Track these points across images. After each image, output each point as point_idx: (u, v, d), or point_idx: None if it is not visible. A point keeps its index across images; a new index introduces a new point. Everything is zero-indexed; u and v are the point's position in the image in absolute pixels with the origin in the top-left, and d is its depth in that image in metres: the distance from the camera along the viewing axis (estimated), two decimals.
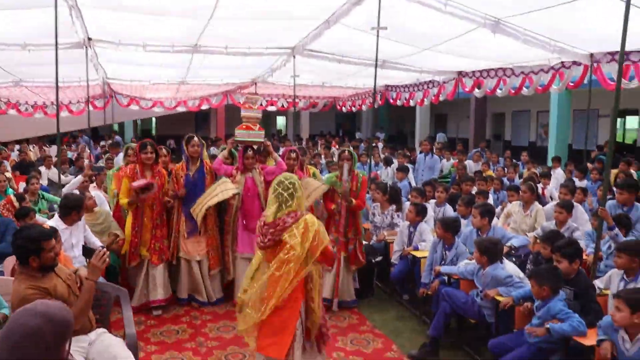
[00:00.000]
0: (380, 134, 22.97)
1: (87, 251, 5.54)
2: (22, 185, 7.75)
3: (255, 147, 6.46)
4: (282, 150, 15.85)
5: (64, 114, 16.25)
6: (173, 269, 6.50)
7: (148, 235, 6.10)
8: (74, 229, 5.18)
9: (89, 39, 9.52)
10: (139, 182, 5.82)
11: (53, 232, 3.52)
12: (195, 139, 6.37)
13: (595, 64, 9.16)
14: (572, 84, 10.19)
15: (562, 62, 9.88)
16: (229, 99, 17.63)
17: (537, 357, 4.19)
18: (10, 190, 7.39)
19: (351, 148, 7.01)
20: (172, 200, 6.23)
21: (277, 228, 3.67)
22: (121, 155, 11.68)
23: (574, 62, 9.57)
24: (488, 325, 4.97)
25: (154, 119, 29.82)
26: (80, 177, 7.37)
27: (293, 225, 3.67)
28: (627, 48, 8.03)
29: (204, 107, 18.51)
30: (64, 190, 7.11)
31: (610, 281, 4.55)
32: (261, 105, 17.94)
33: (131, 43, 9.74)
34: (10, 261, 4.65)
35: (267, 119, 33.99)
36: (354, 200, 6.31)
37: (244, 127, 6.34)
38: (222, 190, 6.09)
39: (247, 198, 6.34)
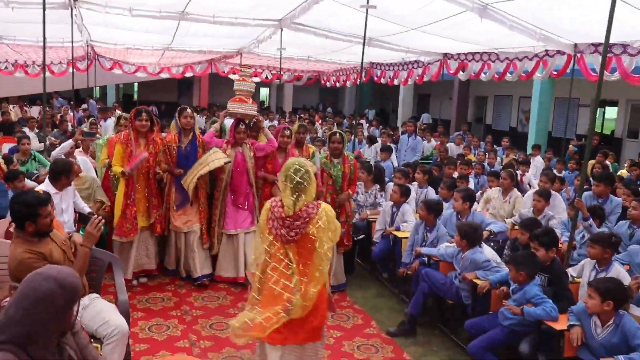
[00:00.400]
0: (370, 111, 22.75)
1: (83, 218, 5.56)
2: (5, 147, 7.66)
3: (247, 120, 6.38)
4: (268, 123, 15.86)
5: (46, 74, 16.03)
6: (160, 240, 6.50)
7: (144, 204, 6.03)
8: (64, 194, 5.20)
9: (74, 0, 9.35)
10: (133, 164, 5.73)
11: (48, 198, 3.54)
12: (189, 110, 6.21)
13: (578, 54, 9.29)
14: (555, 73, 10.34)
15: (546, 51, 10.00)
16: (214, 68, 17.48)
17: (510, 338, 4.37)
18: None
19: (339, 130, 6.90)
20: (163, 173, 6.16)
21: (303, 221, 3.44)
22: (110, 121, 11.59)
23: (558, 51, 9.70)
24: (465, 306, 5.14)
25: (136, 84, 29.43)
26: (70, 142, 7.28)
27: (316, 216, 3.47)
28: (610, 41, 8.24)
29: (188, 74, 18.35)
30: (53, 154, 7.06)
31: (582, 270, 4.74)
32: None
33: (117, 6, 9.59)
34: (3, 224, 4.66)
35: None
36: (350, 192, 6.34)
37: (237, 99, 6.26)
38: (213, 159, 6.00)
39: (236, 173, 6.26)
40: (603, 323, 3.78)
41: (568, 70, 9.83)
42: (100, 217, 3.70)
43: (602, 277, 4.20)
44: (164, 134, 6.58)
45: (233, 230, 6.28)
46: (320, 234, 3.45)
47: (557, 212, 6.50)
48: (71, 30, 10.35)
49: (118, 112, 18.67)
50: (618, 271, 4.44)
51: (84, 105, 19.21)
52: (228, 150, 6.24)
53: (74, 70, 12.99)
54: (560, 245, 5.50)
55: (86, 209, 5.71)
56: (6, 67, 15.85)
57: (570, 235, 5.31)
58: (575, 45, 9.25)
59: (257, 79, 18.98)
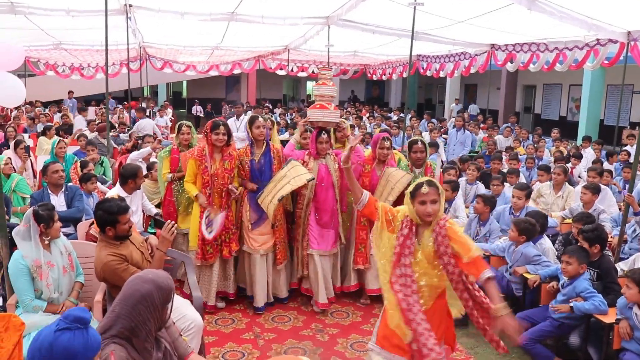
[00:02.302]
0: (456, 106, 21.28)
1: (157, 223, 6.00)
2: (70, 149, 8.07)
3: (329, 128, 5.63)
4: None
5: (99, 75, 16.72)
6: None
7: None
8: (134, 197, 5.53)
9: (130, 5, 9.76)
10: (213, 229, 5.16)
11: (128, 207, 3.87)
12: (260, 119, 5.46)
13: (632, 42, 9.13)
14: (606, 62, 10.17)
15: (597, 39, 9.85)
16: (261, 64, 17.80)
17: (559, 331, 4.46)
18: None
19: (420, 138, 6.14)
20: (237, 191, 5.42)
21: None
22: (147, 121, 11.97)
23: (610, 40, 9.54)
24: (515, 299, 5.22)
25: (185, 82, 30.12)
26: (149, 149, 7.76)
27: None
28: None
29: (236, 71, 18.74)
30: (132, 156, 7.49)
31: (634, 264, 4.77)
32: (292, 70, 18.33)
33: (170, 10, 9.94)
34: (83, 227, 5.05)
35: (297, 84, 34.14)
36: None
37: (317, 106, 5.53)
38: (294, 175, 5.23)
39: (321, 189, 5.51)
40: None
41: (621, 58, 9.66)
42: (173, 222, 4.02)
43: (639, 267, 4.25)
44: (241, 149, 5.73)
45: (320, 251, 5.54)
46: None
47: (608, 206, 6.47)
48: (126, 34, 10.77)
49: (170, 110, 19.33)
50: None
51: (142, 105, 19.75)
52: (310, 164, 5.52)
53: (126, 70, 13.54)
54: (610, 239, 5.55)
55: (153, 210, 6.04)
56: (63, 71, 16.60)
57: (620, 229, 5.33)
58: (629, 32, 9.09)
59: (303, 74, 19.30)
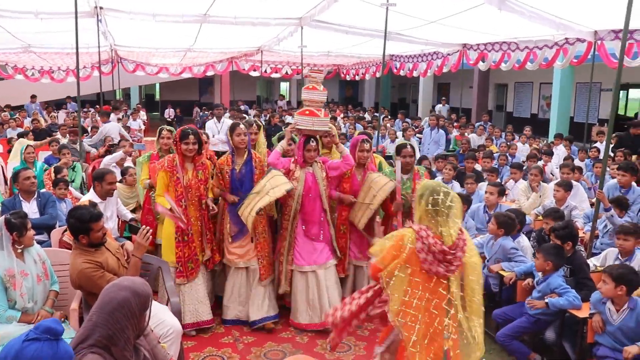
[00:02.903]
0: (442, 107, 20.68)
1: (132, 229, 5.91)
2: (41, 154, 7.94)
3: (318, 136, 5.25)
4: (290, 119, 15.88)
5: (70, 79, 16.50)
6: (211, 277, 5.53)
7: (198, 238, 5.04)
8: (108, 202, 5.41)
9: (100, 8, 9.64)
10: (167, 210, 4.81)
11: (101, 215, 3.82)
12: (242, 126, 5.10)
13: (599, 41, 9.33)
14: (575, 61, 10.38)
15: (566, 39, 10.04)
16: (234, 66, 17.75)
17: (535, 327, 4.53)
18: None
19: (413, 142, 6.23)
20: (215, 208, 5.07)
21: (461, 249, 3.02)
22: (112, 124, 11.80)
23: (578, 39, 9.74)
24: (493, 294, 5.29)
25: (157, 85, 29.85)
26: (121, 152, 7.71)
27: (467, 241, 3.12)
28: (631, 27, 8.27)
29: (209, 73, 18.66)
30: (104, 161, 7.41)
31: (605, 259, 4.88)
32: (265, 71, 18.28)
33: (141, 12, 9.84)
34: (57, 234, 4.98)
35: (271, 85, 34.08)
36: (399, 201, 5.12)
37: (306, 112, 5.12)
38: (274, 185, 4.92)
39: (308, 199, 5.14)
40: (617, 308, 3.94)
41: (589, 57, 9.85)
42: (148, 228, 3.96)
43: (618, 264, 4.34)
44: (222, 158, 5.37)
45: (307, 267, 5.12)
46: (470, 259, 3.08)
47: (579, 202, 6.61)
48: (97, 36, 10.63)
49: (143, 112, 19.12)
50: None
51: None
52: (297, 172, 5.17)
53: (97, 73, 13.38)
54: (582, 234, 5.67)
55: (128, 215, 5.94)
56: (33, 74, 16.33)
57: (592, 225, 5.44)
58: (596, 32, 9.29)
59: (277, 75, 19.28)
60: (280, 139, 5.78)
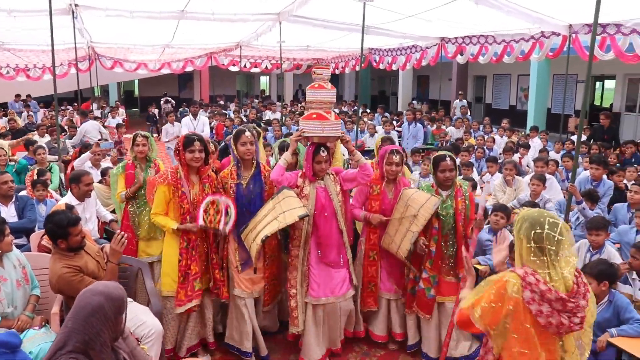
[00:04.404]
0: (460, 102, 18.87)
1: (109, 234, 5.83)
2: (19, 155, 7.85)
3: (329, 144, 4.39)
4: (270, 115, 15.81)
5: (47, 76, 16.28)
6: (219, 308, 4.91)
7: (202, 261, 4.40)
8: (86, 204, 5.35)
9: (75, 5, 9.54)
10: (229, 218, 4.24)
11: (79, 219, 3.83)
12: (247, 133, 4.30)
13: (573, 35, 9.48)
14: (551, 54, 10.54)
15: (541, 32, 10.19)
16: (213, 61, 17.67)
17: None
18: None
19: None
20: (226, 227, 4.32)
21: (585, 297, 2.47)
22: (90, 123, 11.69)
23: (553, 33, 9.89)
24: None
25: (136, 81, 29.60)
26: (88, 154, 7.61)
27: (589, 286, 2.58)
28: (604, 21, 8.44)
29: (188, 69, 18.56)
30: (75, 164, 7.35)
31: (577, 251, 4.98)
32: (245, 66, 18.23)
33: (118, 8, 9.76)
34: (36, 237, 4.94)
35: (251, 80, 33.96)
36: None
37: (313, 115, 4.28)
38: (285, 209, 4.13)
39: (322, 219, 4.33)
40: (598, 301, 4.03)
41: (565, 49, 10.00)
42: (122, 233, 3.93)
43: (594, 260, 4.43)
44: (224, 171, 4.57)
45: (324, 299, 4.35)
46: (592, 307, 2.53)
47: (553, 194, 6.74)
48: (73, 33, 10.53)
49: (122, 110, 18.95)
50: (610, 252, 4.72)
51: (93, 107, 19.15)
52: (306, 188, 4.35)
53: (74, 71, 13.21)
54: None
55: (108, 216, 5.87)
56: (7, 72, 16.08)
57: (564, 217, 5.56)
58: (570, 25, 9.43)
59: (257, 70, 19.25)
60: (282, 149, 4.97)
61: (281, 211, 4.12)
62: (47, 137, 10.21)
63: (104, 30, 12.45)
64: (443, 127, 12.78)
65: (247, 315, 4.46)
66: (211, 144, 5.55)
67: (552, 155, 9.11)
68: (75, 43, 11.14)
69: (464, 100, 18.34)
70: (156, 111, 20.01)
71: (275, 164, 4.75)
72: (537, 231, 2.43)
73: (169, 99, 22.83)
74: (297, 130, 4.56)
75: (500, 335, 2.49)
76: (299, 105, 20.80)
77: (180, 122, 11.31)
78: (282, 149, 4.96)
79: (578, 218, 5.95)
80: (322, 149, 4.26)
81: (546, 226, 2.43)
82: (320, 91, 4.33)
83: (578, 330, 2.45)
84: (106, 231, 5.85)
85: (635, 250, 4.22)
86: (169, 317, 4.33)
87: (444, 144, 10.21)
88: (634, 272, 4.23)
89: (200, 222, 4.15)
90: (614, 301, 3.96)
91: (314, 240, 4.38)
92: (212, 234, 4.37)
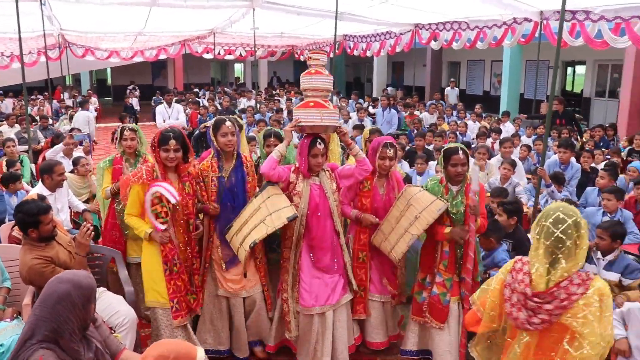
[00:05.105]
0: (452, 90, 18.65)
1: (77, 226, 5.75)
2: None
3: (324, 136, 4.07)
4: (245, 103, 15.72)
5: (15, 65, 15.94)
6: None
7: (188, 269, 4.05)
8: (58, 194, 5.29)
9: None
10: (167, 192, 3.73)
11: (49, 208, 3.78)
12: (228, 123, 4.02)
13: (544, 21, 9.60)
14: (523, 40, 10.66)
15: (514, 18, 10.30)
16: (187, 48, 17.52)
17: None
18: None
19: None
20: (200, 228, 4.10)
21: (559, 304, 2.34)
22: (83, 113, 11.51)
23: (525, 19, 10.00)
24: None
25: (109, 69, 29.17)
26: (61, 145, 7.50)
27: (581, 301, 2.35)
28: (573, 7, 8.56)
29: (162, 57, 18.37)
30: (47, 155, 7.25)
31: None
32: (219, 54, 18.07)
33: None
34: (5, 229, 4.89)
35: (225, 67, 33.71)
36: (477, 221, 3.89)
37: (310, 104, 3.94)
38: (272, 210, 3.84)
39: (315, 219, 3.99)
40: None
41: (536, 35, 10.13)
42: (88, 226, 3.83)
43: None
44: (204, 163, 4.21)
45: (318, 308, 3.99)
46: (584, 330, 2.33)
47: (520, 178, 6.89)
48: (42, 20, 10.35)
49: (94, 99, 18.66)
50: None
51: (64, 95, 18.82)
52: (299, 184, 4.00)
53: (44, 59, 12.99)
54: (526, 209, 5.91)
55: (81, 206, 5.79)
56: None
57: (534, 200, 5.68)
58: (541, 12, 9.56)
59: (231, 57, 19.12)
60: (266, 137, 4.67)
61: (267, 213, 3.82)
62: (17, 127, 10.05)
63: (74, 17, 12.26)
64: (417, 112, 12.86)
65: (229, 317, 4.21)
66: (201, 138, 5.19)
67: (524, 139, 9.25)
68: (44, 30, 10.95)
69: (456, 89, 18.27)
70: (134, 101, 19.50)
71: (260, 156, 4.63)
72: (541, 223, 2.40)
73: (136, 87, 22.58)
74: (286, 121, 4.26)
75: (490, 318, 2.50)
76: (274, 92, 20.76)
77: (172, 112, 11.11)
78: (268, 137, 4.66)
79: (547, 201, 6.08)
80: (319, 141, 3.91)
81: (549, 220, 2.36)
82: (317, 77, 4.00)
83: (532, 331, 2.40)
84: (74, 222, 5.70)
85: (602, 231, 4.33)
86: (160, 328, 3.92)
87: (417, 130, 10.28)
88: (599, 252, 4.35)
89: (159, 225, 3.74)
90: None
91: (306, 242, 4.02)
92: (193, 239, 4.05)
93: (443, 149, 4.05)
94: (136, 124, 5.48)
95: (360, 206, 4.27)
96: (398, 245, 4.01)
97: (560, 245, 2.33)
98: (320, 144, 3.91)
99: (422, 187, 4.13)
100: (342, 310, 4.11)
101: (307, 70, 4.04)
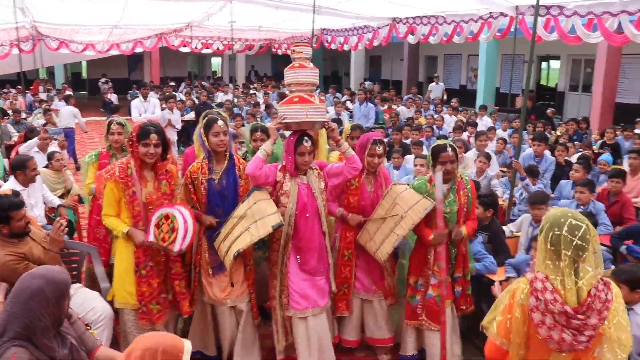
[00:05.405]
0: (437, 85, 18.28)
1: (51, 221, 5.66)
2: None
3: (311, 132, 3.91)
4: (223, 97, 15.62)
5: None
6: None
7: (162, 273, 3.88)
8: (31, 189, 5.22)
9: None
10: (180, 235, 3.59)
11: (22, 203, 3.71)
12: (220, 122, 3.83)
13: (520, 16, 9.70)
14: (498, 34, 10.77)
15: (490, 13, 10.39)
16: (164, 42, 17.33)
17: None
18: None
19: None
20: None
21: (599, 315, 2.21)
22: (65, 108, 11.32)
23: (501, 13, 10.09)
24: None
25: (84, 62, 28.73)
26: (36, 140, 7.41)
27: (613, 304, 2.25)
28: (548, 2, 8.66)
29: (138, 50, 18.12)
30: (20, 150, 7.14)
31: (521, 225, 5.20)
32: (196, 47, 17.92)
33: None
34: None
35: (202, 61, 33.44)
36: (463, 230, 3.95)
37: (295, 99, 3.76)
38: (257, 218, 3.65)
39: (303, 221, 3.82)
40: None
41: (512, 30, 10.23)
42: (62, 222, 3.73)
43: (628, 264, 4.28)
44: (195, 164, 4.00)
45: (309, 311, 3.88)
46: (621, 335, 2.24)
47: (493, 170, 7.01)
48: (14, 12, 10.15)
49: (70, 92, 18.36)
50: None
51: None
52: (286, 184, 3.83)
53: (17, 51, 12.74)
54: (502, 202, 6.01)
55: (56, 201, 5.72)
56: None
57: (510, 193, 5.77)
58: (517, 7, 9.65)
59: (208, 50, 18.96)
60: (254, 131, 4.49)
61: (253, 220, 3.63)
62: None
63: (47, 9, 12.05)
64: (394, 106, 12.93)
65: (214, 324, 4.09)
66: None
67: (500, 133, 9.37)
68: (16, 22, 10.75)
69: (441, 84, 18.17)
70: (114, 97, 19.00)
71: (247, 150, 4.51)
72: (555, 233, 2.24)
73: (108, 80, 22.38)
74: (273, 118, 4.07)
75: (518, 346, 2.29)
76: (252, 85, 20.68)
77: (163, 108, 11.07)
78: (255, 131, 4.52)
79: (522, 194, 6.18)
80: (306, 138, 3.74)
81: (565, 228, 2.22)
82: (301, 71, 3.80)
83: (583, 350, 2.21)
84: (48, 218, 5.58)
85: None
86: (127, 329, 3.85)
87: (394, 124, 10.34)
88: None
89: (151, 238, 3.60)
90: None
91: (293, 244, 3.86)
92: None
93: (432, 147, 3.99)
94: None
95: (347, 204, 4.17)
96: (383, 246, 3.95)
97: (581, 253, 2.21)
98: (307, 141, 3.74)
99: (408, 184, 4.07)
100: (328, 314, 4.07)
101: (291, 64, 3.87)
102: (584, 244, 2.20)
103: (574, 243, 2.19)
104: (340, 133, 4.52)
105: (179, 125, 11.05)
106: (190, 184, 3.91)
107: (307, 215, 3.80)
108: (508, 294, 2.33)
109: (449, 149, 3.81)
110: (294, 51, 3.87)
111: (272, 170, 3.84)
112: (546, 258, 2.26)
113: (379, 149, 4.05)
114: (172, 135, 10.41)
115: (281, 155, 4.07)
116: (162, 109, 10.90)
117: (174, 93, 15.08)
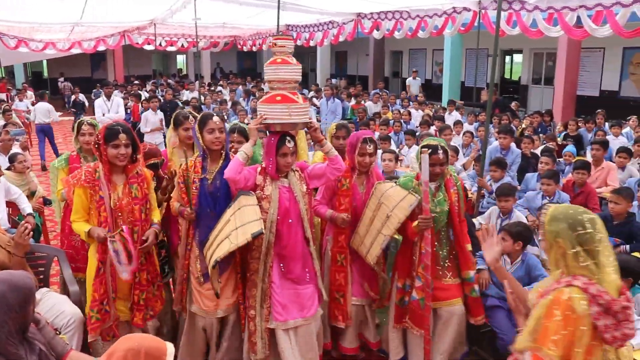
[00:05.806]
0: (414, 80, 18.21)
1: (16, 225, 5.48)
2: None
3: (293, 132, 3.65)
4: (188, 95, 15.43)
5: None
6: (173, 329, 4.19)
7: (127, 282, 3.62)
8: None
9: None
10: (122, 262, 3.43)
11: None
12: (215, 119, 3.62)
13: (483, 11, 9.85)
14: (462, 29, 10.91)
15: (453, 8, 10.52)
16: (127, 40, 17.06)
17: None
18: None
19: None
20: (150, 238, 3.61)
21: (629, 300, 2.19)
22: (40, 105, 11.00)
23: (465, 8, 10.23)
24: None
25: (45, 61, 28.10)
26: None
27: None
28: None
29: (101, 48, 17.83)
30: None
31: (489, 218, 5.28)
32: (160, 45, 17.67)
33: None
34: None
35: (167, 58, 33.05)
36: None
37: (277, 98, 3.50)
38: (238, 225, 3.39)
39: (286, 226, 3.60)
40: (512, 261, 4.26)
41: (475, 25, 10.37)
42: (26, 225, 3.57)
43: (514, 222, 4.62)
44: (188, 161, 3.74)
45: (292, 322, 3.64)
46: None
47: (460, 163, 7.14)
48: None
49: (30, 92, 17.90)
50: (518, 216, 5.03)
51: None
52: (267, 188, 3.58)
53: None
54: (470, 195, 6.09)
55: (27, 209, 5.44)
56: None
57: (478, 187, 5.86)
58: (480, 1, 9.78)
59: (173, 48, 18.76)
60: (230, 132, 4.11)
61: (234, 227, 3.36)
62: None
63: (4, 6, 11.72)
64: (363, 102, 12.98)
65: (205, 339, 3.86)
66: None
67: (466, 127, 9.49)
68: None
69: (418, 79, 18.15)
70: (82, 97, 18.36)
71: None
72: (580, 232, 2.14)
73: (66, 78, 22.20)
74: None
75: (581, 356, 2.12)
76: (218, 83, 20.52)
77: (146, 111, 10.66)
78: (232, 132, 4.14)
79: (491, 185, 6.29)
80: (288, 138, 3.50)
81: (587, 224, 2.14)
82: (283, 67, 3.52)
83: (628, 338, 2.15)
84: (13, 222, 5.39)
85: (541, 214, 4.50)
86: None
87: (362, 119, 10.39)
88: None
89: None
90: (526, 260, 4.18)
91: (276, 251, 3.62)
92: (141, 242, 3.58)
93: (422, 145, 3.81)
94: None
95: (338, 206, 3.96)
96: (373, 248, 3.81)
97: (605, 243, 2.16)
98: (289, 142, 3.50)
99: (395, 181, 3.96)
100: (318, 324, 3.80)
101: (271, 59, 3.58)
102: (604, 235, 2.17)
103: (597, 237, 2.14)
104: None
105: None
106: (182, 182, 3.67)
107: (290, 220, 3.58)
108: (553, 309, 2.13)
109: (440, 152, 3.67)
110: (275, 44, 3.60)
111: (251, 173, 3.58)
112: (577, 261, 2.16)
113: (370, 148, 3.89)
114: (159, 138, 10.05)
115: (260, 157, 3.89)
116: (127, 109, 10.69)
117: (139, 92, 14.85)
